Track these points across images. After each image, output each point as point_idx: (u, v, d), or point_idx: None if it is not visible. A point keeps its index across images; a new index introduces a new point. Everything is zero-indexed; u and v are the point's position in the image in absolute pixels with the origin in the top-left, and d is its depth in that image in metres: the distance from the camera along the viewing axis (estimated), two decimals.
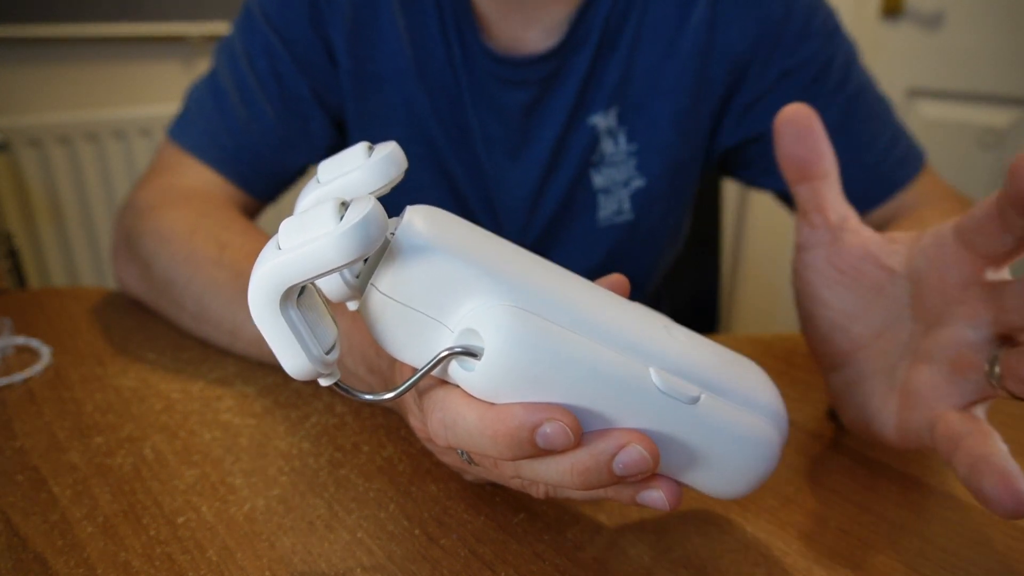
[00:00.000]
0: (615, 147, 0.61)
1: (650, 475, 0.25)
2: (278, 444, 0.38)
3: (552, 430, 0.23)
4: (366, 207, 0.21)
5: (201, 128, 0.60)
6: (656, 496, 0.26)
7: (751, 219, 2.00)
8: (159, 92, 1.54)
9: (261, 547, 0.30)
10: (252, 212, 0.63)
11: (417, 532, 0.31)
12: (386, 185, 0.25)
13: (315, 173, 0.27)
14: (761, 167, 0.63)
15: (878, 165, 0.59)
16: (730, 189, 2.02)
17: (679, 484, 0.27)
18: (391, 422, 0.40)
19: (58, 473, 0.35)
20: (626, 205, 0.64)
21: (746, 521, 0.32)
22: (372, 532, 0.31)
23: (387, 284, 0.24)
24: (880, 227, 0.58)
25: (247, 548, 0.30)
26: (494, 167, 0.63)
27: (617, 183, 0.63)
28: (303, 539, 0.31)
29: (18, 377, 0.44)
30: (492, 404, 0.24)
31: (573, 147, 0.61)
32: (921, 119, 1.51)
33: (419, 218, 0.24)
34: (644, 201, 0.63)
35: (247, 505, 0.33)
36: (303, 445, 0.38)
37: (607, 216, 0.64)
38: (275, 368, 0.47)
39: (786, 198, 0.65)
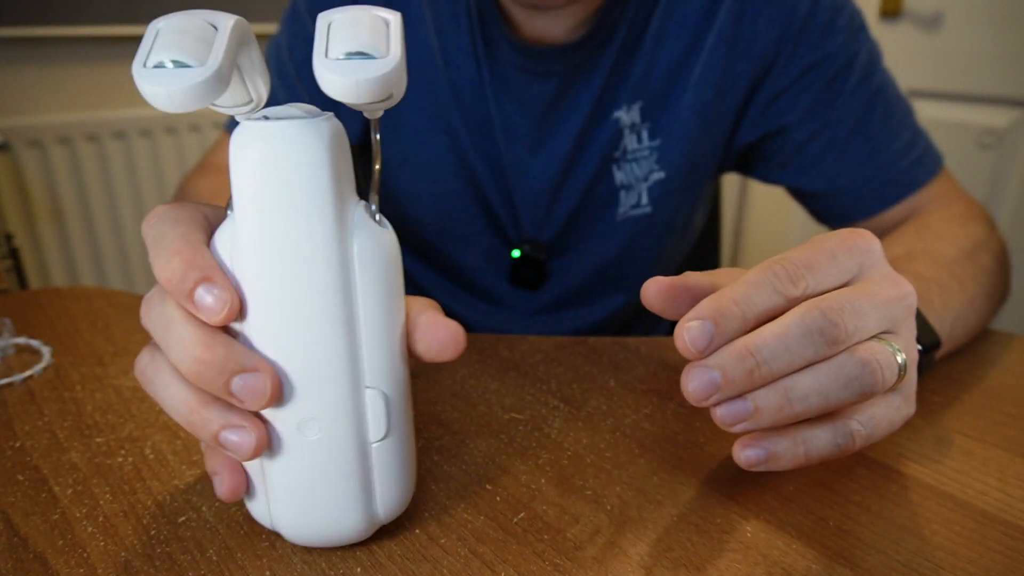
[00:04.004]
0: (638, 143, 0.61)
1: (248, 415, 0.26)
2: None
3: (209, 290, 0.24)
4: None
5: None
6: (236, 439, 0.26)
7: (750, 215, 2.00)
8: None
9: (261, 547, 0.30)
10: None
11: (417, 532, 0.31)
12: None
13: None
14: (778, 161, 0.63)
15: (894, 165, 0.59)
16: (730, 185, 2.02)
17: (244, 475, 0.28)
18: None
19: (58, 473, 0.35)
20: (644, 199, 0.64)
21: (746, 521, 0.32)
22: None
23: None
24: (894, 228, 0.58)
25: (247, 548, 0.30)
26: (514, 159, 0.63)
27: (638, 178, 0.63)
28: None
29: (18, 377, 0.45)
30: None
31: (596, 141, 0.61)
32: (920, 119, 1.51)
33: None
34: (662, 193, 0.64)
35: None
36: None
37: (625, 211, 0.64)
38: None
39: (800, 194, 0.65)
